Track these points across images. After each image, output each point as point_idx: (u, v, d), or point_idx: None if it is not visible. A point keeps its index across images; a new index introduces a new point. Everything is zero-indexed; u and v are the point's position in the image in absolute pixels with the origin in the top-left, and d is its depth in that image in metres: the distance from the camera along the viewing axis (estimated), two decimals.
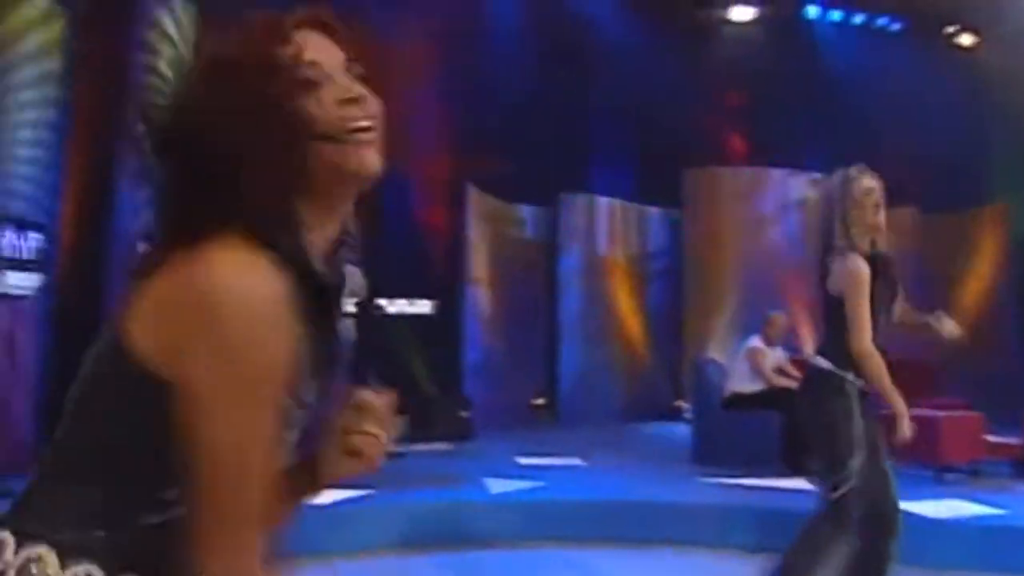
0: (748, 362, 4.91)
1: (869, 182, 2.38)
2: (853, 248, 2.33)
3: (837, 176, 2.45)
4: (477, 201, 7.95)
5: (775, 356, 5.01)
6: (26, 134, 4.67)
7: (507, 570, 3.25)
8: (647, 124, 8.02)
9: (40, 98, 4.78)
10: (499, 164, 8.04)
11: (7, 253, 4.51)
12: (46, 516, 0.72)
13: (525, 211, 8.63)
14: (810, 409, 2.49)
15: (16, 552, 0.70)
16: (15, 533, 0.71)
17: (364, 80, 0.77)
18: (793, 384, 4.81)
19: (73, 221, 5.53)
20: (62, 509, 0.72)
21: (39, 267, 4.70)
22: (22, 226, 4.62)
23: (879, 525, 2.36)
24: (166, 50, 5.48)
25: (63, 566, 0.70)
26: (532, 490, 4.12)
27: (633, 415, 7.70)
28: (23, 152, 4.68)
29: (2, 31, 4.62)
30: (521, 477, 4.43)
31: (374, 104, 0.76)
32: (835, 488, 2.31)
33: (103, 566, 0.71)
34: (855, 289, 2.31)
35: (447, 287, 7.64)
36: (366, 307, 5.11)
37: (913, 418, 2.43)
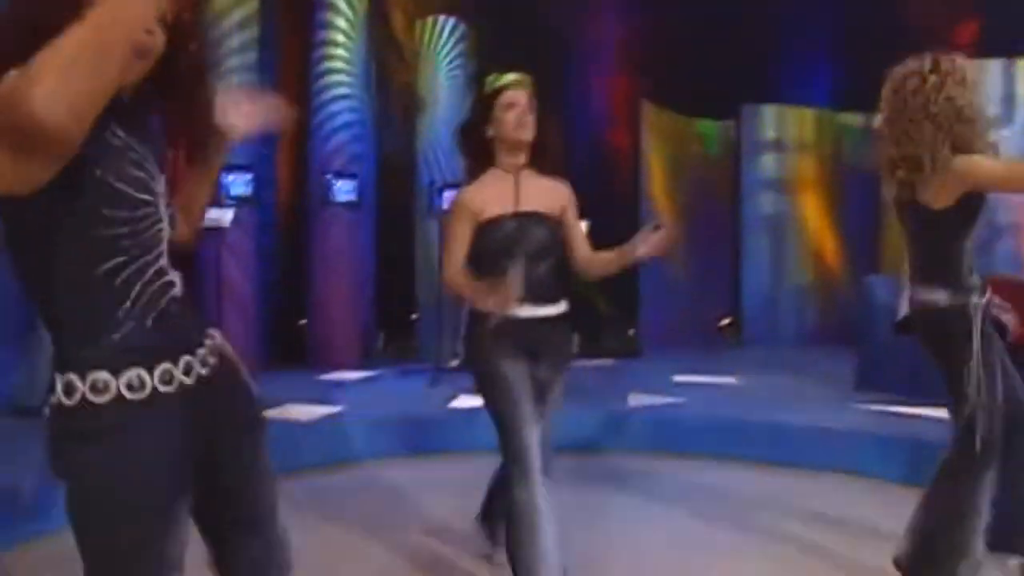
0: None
1: None
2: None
3: None
4: (654, 118, 7.80)
5: None
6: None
7: (626, 477, 3.45)
8: (843, 20, 7.25)
9: (243, 63, 5.57)
10: (678, 78, 7.79)
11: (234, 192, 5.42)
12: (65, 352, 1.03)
13: (708, 126, 8.31)
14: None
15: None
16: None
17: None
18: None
19: (283, 161, 6.45)
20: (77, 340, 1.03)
21: (254, 202, 5.58)
22: (238, 169, 5.49)
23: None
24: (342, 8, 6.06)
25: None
26: (665, 406, 4.23)
27: (826, 338, 7.30)
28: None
29: (212, 9, 5.43)
30: (666, 393, 4.54)
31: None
32: (959, 415, 2.16)
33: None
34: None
35: (626, 206, 7.66)
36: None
37: None
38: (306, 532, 1.88)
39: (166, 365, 1.08)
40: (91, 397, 1.01)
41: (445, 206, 6.02)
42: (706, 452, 3.68)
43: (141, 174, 1.06)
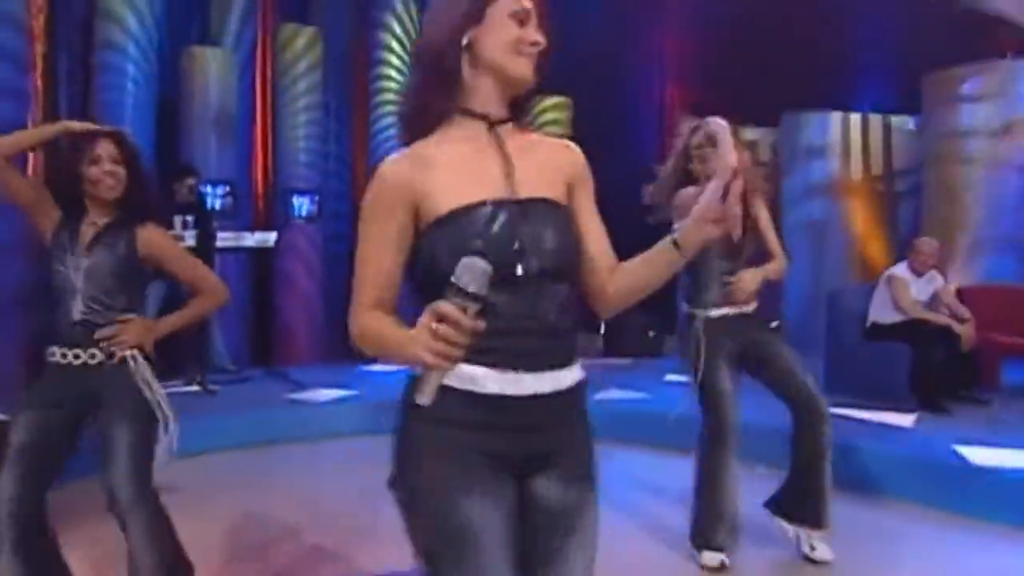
0: (887, 291, 4.64)
1: None
2: None
3: None
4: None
5: (919, 288, 4.63)
6: (301, 130, 6.48)
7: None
8: (886, 27, 7.26)
9: (310, 102, 6.53)
10: (723, 88, 8.06)
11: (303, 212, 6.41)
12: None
13: (755, 133, 8.51)
14: None
15: None
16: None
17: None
18: (938, 318, 4.50)
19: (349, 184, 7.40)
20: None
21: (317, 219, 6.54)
22: (304, 192, 6.47)
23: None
24: (395, 45, 6.90)
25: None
26: (633, 401, 4.73)
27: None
28: (301, 142, 6.49)
29: (282, 59, 6.43)
30: (645, 391, 5.03)
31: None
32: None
33: None
34: None
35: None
36: None
37: None
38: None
39: None
40: None
41: None
42: (650, 441, 4.15)
43: None
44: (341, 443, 4.23)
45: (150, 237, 2.07)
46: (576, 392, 1.16)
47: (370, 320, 1.09)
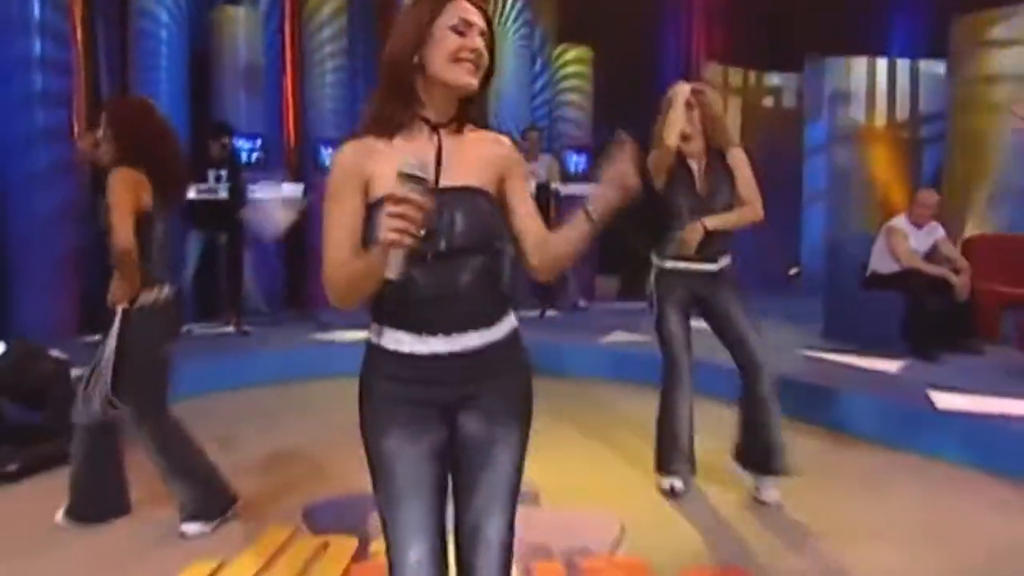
0: (886, 242, 4.74)
1: None
2: None
3: None
4: (720, 76, 8.10)
5: (918, 239, 4.71)
6: (328, 78, 6.71)
7: (594, 399, 4.31)
8: None
9: (335, 50, 6.73)
10: (750, 33, 8.02)
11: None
12: None
13: (778, 79, 8.44)
14: None
15: None
16: None
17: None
18: (933, 269, 4.61)
19: None
20: None
21: None
22: (332, 142, 6.74)
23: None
24: None
25: None
26: (635, 343, 4.98)
27: None
28: (328, 90, 6.73)
29: (306, 9, 6.63)
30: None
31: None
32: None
33: None
34: None
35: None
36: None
37: None
38: None
39: None
40: None
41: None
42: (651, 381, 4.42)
43: None
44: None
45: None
46: (496, 347, 1.34)
47: (337, 268, 1.28)
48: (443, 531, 1.36)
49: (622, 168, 1.26)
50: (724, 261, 2.86)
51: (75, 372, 3.06)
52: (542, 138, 6.67)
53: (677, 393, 2.84)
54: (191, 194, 5.11)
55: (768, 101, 8.50)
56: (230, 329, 5.25)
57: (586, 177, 7.31)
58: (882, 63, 7.79)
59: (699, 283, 2.83)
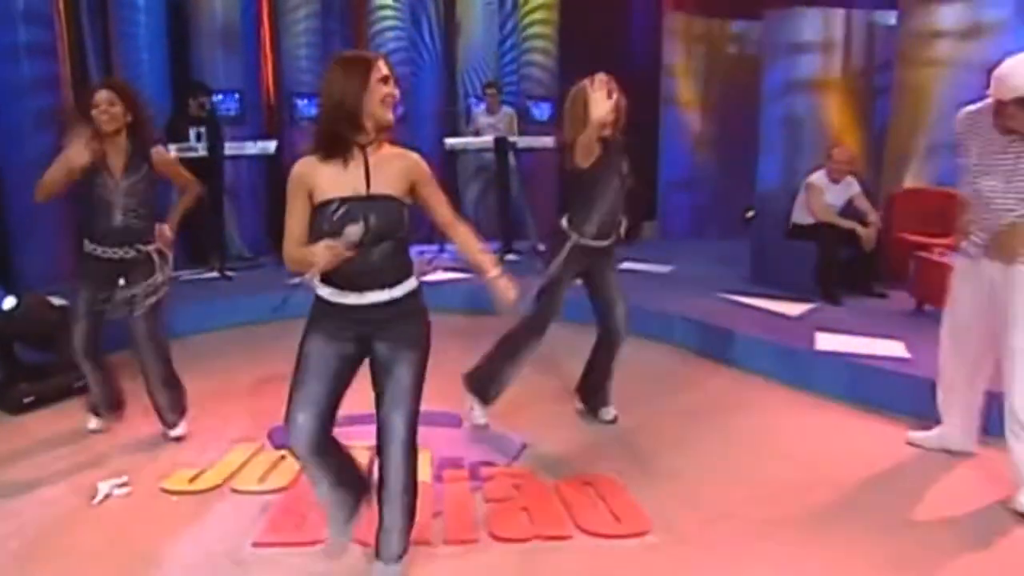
0: (805, 196, 5.25)
1: None
2: None
3: None
4: (685, 25, 8.42)
5: (833, 194, 5.22)
6: (302, 37, 7.08)
7: None
8: None
9: (312, 11, 7.07)
10: None
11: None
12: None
13: (742, 26, 8.74)
14: None
15: None
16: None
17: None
18: (843, 223, 5.14)
19: None
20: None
21: None
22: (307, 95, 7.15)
23: None
24: None
25: None
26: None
27: None
28: (303, 48, 7.11)
29: None
30: None
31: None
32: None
33: None
34: None
35: (647, 113, 8.51)
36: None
37: None
38: None
39: None
40: None
41: (474, 106, 7.42)
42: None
43: None
44: None
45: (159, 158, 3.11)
46: (397, 301, 2.05)
47: (293, 249, 2.01)
48: (331, 413, 2.08)
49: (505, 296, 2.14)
50: (614, 237, 3.38)
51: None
52: (501, 92, 7.07)
53: (531, 343, 3.35)
54: (173, 152, 5.61)
55: (732, 48, 8.80)
56: (214, 274, 5.82)
57: (549, 125, 7.76)
58: (838, 14, 8.06)
59: (595, 257, 3.32)
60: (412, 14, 7.72)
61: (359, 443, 2.64)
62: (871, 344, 4.07)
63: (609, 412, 3.54)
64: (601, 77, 3.22)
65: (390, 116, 1.97)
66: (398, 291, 2.05)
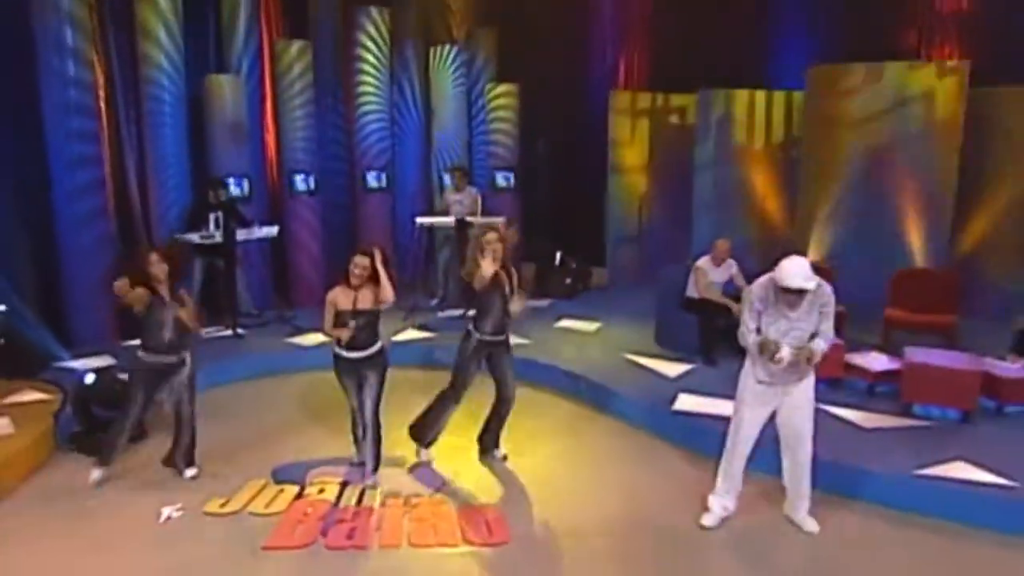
0: (692, 275, 6.88)
1: None
2: None
3: None
4: (631, 99, 10.08)
5: (716, 274, 6.86)
6: (299, 123, 8.79)
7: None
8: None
9: (305, 100, 8.79)
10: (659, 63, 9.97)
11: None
12: None
13: (682, 100, 10.39)
14: None
15: None
16: None
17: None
18: (719, 299, 6.76)
19: (346, 162, 9.71)
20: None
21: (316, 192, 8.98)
22: (303, 171, 8.85)
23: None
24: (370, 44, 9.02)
25: None
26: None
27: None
28: (299, 132, 8.83)
29: (280, 67, 8.65)
30: (522, 336, 7.52)
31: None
32: None
33: None
34: None
35: (598, 176, 10.20)
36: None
37: None
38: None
39: None
40: None
41: (447, 181, 9.14)
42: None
43: None
44: (319, 374, 6.93)
45: (183, 298, 4.81)
46: (373, 354, 4.73)
47: (328, 328, 4.66)
48: (359, 407, 4.81)
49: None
50: (504, 335, 5.08)
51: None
52: (467, 175, 8.76)
53: (449, 407, 5.12)
54: (196, 238, 7.35)
55: (674, 118, 10.45)
56: (228, 333, 7.53)
57: (511, 191, 9.46)
58: (761, 93, 9.71)
59: (493, 347, 5.05)
60: (392, 102, 9.44)
61: (332, 479, 4.34)
62: (715, 404, 5.71)
63: (500, 452, 5.26)
64: (489, 239, 4.91)
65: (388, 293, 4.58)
66: (372, 350, 4.72)
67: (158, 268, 4.65)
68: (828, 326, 4.15)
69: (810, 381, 4.28)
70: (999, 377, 5.60)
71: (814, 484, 4.40)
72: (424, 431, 5.17)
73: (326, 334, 4.75)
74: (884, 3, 9.43)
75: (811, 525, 4.34)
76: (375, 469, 4.87)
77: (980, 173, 8.35)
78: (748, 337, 4.22)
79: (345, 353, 4.69)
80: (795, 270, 3.98)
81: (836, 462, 4.73)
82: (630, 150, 10.24)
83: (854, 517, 4.50)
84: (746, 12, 9.90)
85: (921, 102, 8.23)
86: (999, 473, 4.61)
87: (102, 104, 7.43)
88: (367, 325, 4.66)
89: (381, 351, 4.77)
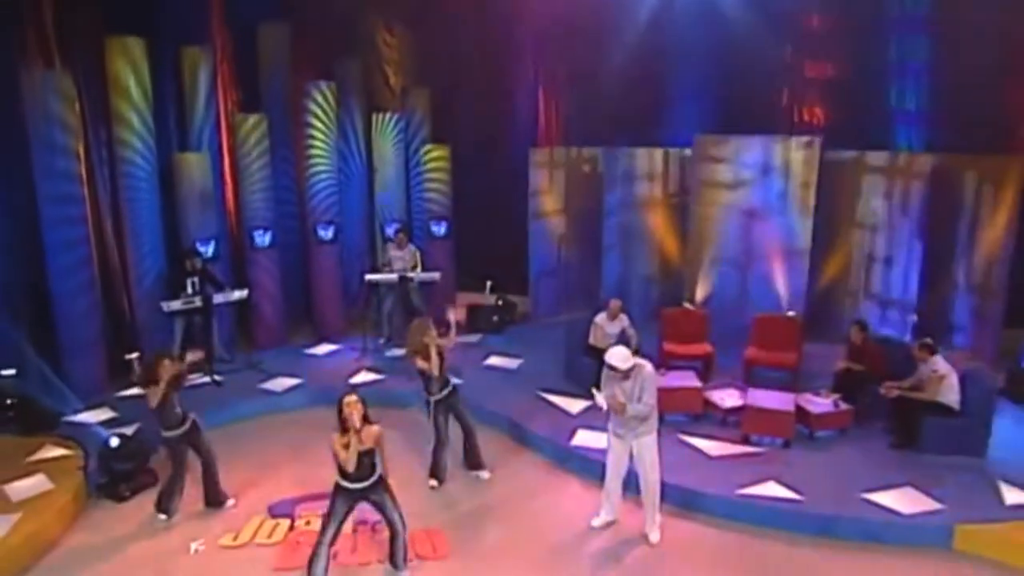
0: (591, 328, 8.92)
1: None
2: None
3: None
4: (549, 154, 12.01)
5: (610, 328, 8.91)
6: (257, 185, 10.42)
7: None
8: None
9: (263, 163, 10.42)
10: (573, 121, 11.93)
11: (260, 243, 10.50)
12: None
13: (595, 153, 12.37)
14: None
15: None
16: None
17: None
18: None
19: (298, 219, 11.37)
20: None
21: (274, 247, 10.67)
22: (262, 228, 10.50)
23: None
24: (320, 113, 10.69)
25: None
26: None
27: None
28: (258, 194, 10.45)
29: (239, 137, 10.26)
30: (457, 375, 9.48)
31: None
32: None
33: None
34: None
35: (522, 221, 12.13)
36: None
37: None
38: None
39: None
40: None
41: (389, 232, 10.93)
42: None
43: None
44: (293, 415, 8.74)
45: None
46: (374, 483, 5.63)
47: (337, 446, 5.51)
48: (339, 531, 5.72)
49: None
50: (448, 390, 7.05)
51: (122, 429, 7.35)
52: (408, 235, 10.58)
53: (442, 453, 7.12)
54: (176, 305, 9.01)
55: (586, 168, 12.42)
56: (208, 380, 9.21)
57: (445, 239, 11.32)
58: (659, 151, 11.77)
59: (448, 401, 7.08)
60: (338, 165, 11.14)
61: (315, 514, 6.23)
62: (603, 438, 7.75)
63: (484, 474, 7.33)
64: (428, 342, 6.86)
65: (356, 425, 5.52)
66: (373, 479, 5.58)
67: (169, 370, 6.37)
68: (647, 397, 6.15)
69: (654, 435, 6.34)
70: (811, 412, 7.83)
71: (664, 501, 6.49)
72: (438, 471, 7.26)
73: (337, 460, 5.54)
74: (763, 73, 11.50)
75: (654, 536, 6.43)
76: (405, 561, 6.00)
77: (833, 223, 10.62)
78: (598, 397, 6.27)
79: (346, 484, 5.53)
80: (617, 354, 6.10)
81: (680, 485, 6.83)
82: (549, 197, 12.18)
83: (690, 526, 6.62)
84: (647, 75, 11.83)
85: (782, 172, 10.41)
86: (794, 490, 6.80)
87: (84, 190, 8.94)
88: (367, 459, 5.50)
89: (381, 478, 5.63)
